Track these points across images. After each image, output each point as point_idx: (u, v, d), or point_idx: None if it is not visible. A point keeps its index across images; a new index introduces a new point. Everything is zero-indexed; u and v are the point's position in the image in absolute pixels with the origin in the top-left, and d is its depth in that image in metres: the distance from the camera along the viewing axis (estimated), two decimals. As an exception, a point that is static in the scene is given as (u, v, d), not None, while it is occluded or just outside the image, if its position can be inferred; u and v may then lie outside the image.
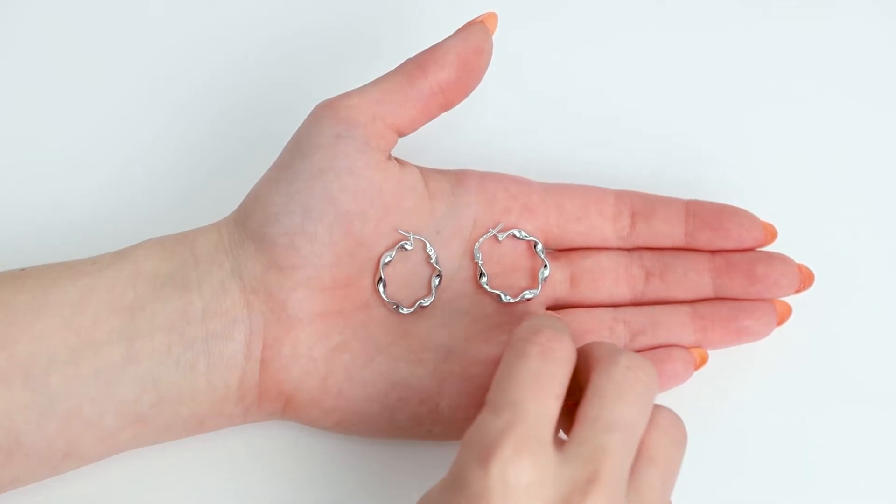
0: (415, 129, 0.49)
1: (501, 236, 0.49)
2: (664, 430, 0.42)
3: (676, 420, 0.43)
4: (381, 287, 0.47)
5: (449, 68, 0.48)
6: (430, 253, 0.48)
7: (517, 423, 0.39)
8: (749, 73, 0.57)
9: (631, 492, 0.40)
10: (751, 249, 0.50)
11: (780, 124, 0.56)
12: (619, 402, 0.41)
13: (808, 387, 0.51)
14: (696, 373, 0.49)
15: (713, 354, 0.50)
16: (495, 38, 0.49)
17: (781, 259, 0.49)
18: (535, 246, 0.49)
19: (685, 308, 0.49)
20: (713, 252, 0.50)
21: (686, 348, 0.49)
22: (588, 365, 0.42)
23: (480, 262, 0.49)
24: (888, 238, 0.54)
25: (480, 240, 0.49)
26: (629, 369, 0.41)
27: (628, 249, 0.50)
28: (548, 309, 0.50)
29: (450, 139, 0.55)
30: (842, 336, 0.52)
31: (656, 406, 0.42)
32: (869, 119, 0.56)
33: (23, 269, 0.46)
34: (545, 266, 0.49)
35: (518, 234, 0.49)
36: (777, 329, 0.50)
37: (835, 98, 0.57)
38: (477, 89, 0.49)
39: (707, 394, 0.51)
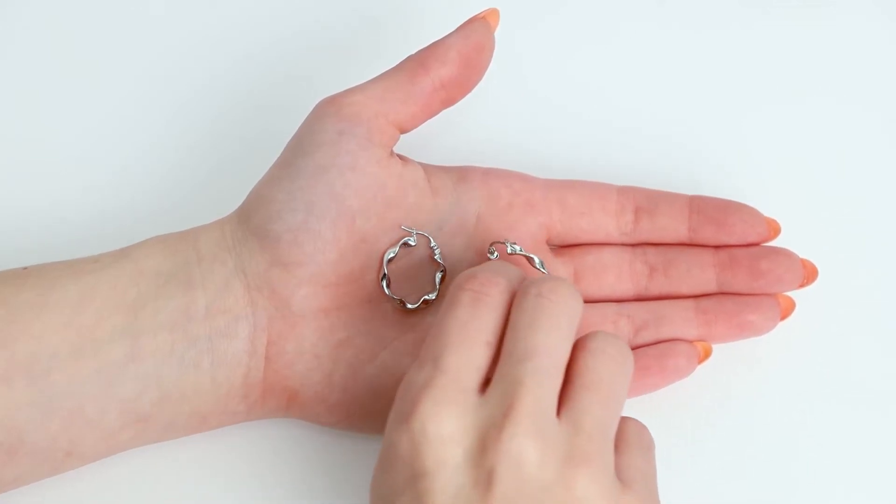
0: (417, 126, 0.49)
1: (515, 249, 0.48)
2: (596, 352, 0.41)
3: (613, 341, 0.42)
4: (384, 283, 0.47)
5: (450, 65, 0.48)
6: (434, 248, 0.48)
7: (437, 377, 0.39)
8: (749, 72, 0.57)
9: (565, 420, 0.40)
10: (754, 245, 0.50)
11: (780, 123, 0.56)
12: (530, 331, 0.40)
13: (810, 384, 0.51)
14: (699, 368, 0.49)
15: (716, 351, 0.50)
16: (498, 35, 0.49)
17: (785, 254, 0.50)
18: (533, 261, 0.49)
19: (689, 303, 0.49)
20: (716, 247, 0.50)
21: (689, 342, 0.49)
22: None
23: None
24: (890, 235, 0.54)
25: (492, 248, 0.49)
26: (539, 296, 0.41)
27: (632, 245, 0.50)
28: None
29: (452, 136, 0.55)
30: (844, 332, 0.52)
31: (591, 333, 0.42)
32: (869, 118, 0.56)
33: (24, 268, 0.46)
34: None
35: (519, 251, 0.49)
36: (780, 324, 0.50)
37: (835, 97, 0.57)
38: (479, 86, 0.49)
39: (708, 391, 0.51)
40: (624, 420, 0.42)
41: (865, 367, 0.51)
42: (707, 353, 0.49)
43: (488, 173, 0.50)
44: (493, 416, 0.39)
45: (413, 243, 0.48)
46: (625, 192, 0.51)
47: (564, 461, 0.39)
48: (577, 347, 0.42)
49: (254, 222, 0.47)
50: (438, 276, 0.48)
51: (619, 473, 0.41)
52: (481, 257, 0.49)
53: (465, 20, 0.49)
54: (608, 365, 0.41)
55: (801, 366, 0.51)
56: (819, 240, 0.52)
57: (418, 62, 0.48)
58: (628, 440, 0.42)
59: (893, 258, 0.54)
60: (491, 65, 0.49)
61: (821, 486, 0.50)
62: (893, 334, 0.52)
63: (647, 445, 0.43)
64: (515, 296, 0.42)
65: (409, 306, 0.48)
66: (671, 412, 0.49)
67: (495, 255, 0.48)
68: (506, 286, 0.42)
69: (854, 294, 0.53)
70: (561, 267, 0.50)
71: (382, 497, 0.40)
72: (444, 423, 0.38)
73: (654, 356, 0.48)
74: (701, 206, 0.50)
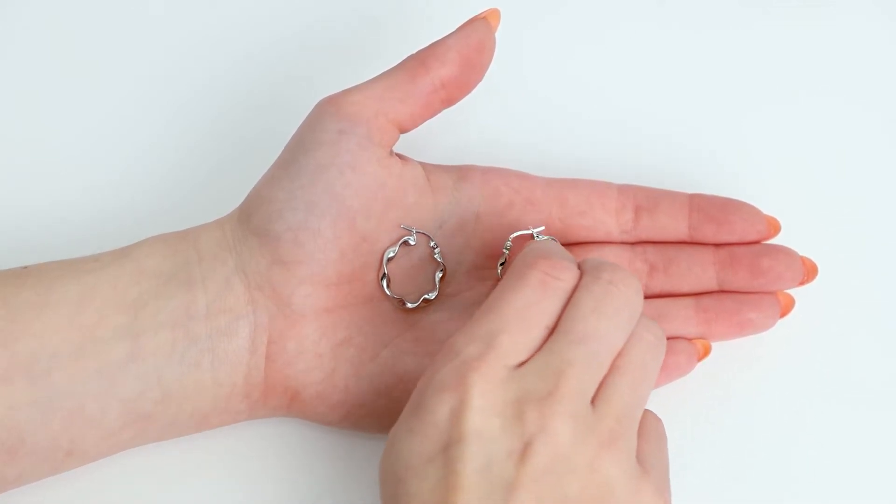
0: (417, 126, 0.49)
1: (540, 236, 0.49)
2: (637, 340, 0.42)
3: (653, 328, 0.43)
4: (384, 283, 0.47)
5: (451, 64, 0.48)
6: (434, 247, 0.48)
7: (490, 355, 0.39)
8: (749, 72, 0.57)
9: (599, 399, 0.40)
10: (755, 243, 0.50)
11: (780, 123, 0.56)
12: (592, 316, 0.41)
13: (809, 382, 0.51)
14: (698, 367, 0.49)
15: (715, 350, 0.50)
16: (499, 34, 0.49)
17: (785, 252, 0.50)
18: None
19: (689, 301, 0.49)
20: (717, 246, 0.50)
21: (689, 340, 0.49)
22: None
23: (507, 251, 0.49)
24: (889, 234, 0.54)
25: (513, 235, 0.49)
26: (611, 284, 0.41)
27: (632, 243, 0.50)
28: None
29: (452, 136, 0.55)
30: (844, 331, 0.52)
31: (641, 318, 0.42)
32: (869, 117, 0.56)
33: (24, 268, 0.46)
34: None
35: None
36: (780, 322, 0.50)
37: (835, 97, 0.57)
38: (479, 86, 0.49)
39: (707, 390, 0.51)
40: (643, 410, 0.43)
41: (865, 365, 0.52)
42: (707, 351, 0.49)
43: (488, 172, 0.50)
44: (536, 391, 0.39)
45: (413, 242, 0.48)
46: (625, 190, 0.51)
47: (594, 443, 0.39)
48: None
49: (254, 221, 0.47)
50: (438, 275, 0.48)
51: (639, 458, 0.41)
52: (481, 256, 0.49)
53: (466, 20, 0.49)
54: (645, 352, 0.42)
55: (800, 364, 0.51)
56: (819, 239, 0.52)
57: (418, 62, 0.48)
58: (648, 428, 0.43)
59: (893, 257, 0.54)
60: (494, 65, 0.49)
61: (820, 485, 0.50)
62: (893, 332, 0.52)
63: (662, 435, 0.43)
64: (583, 276, 0.42)
65: (409, 305, 0.48)
66: (670, 411, 0.49)
67: (509, 245, 0.48)
68: (575, 274, 0.42)
69: (853, 292, 0.53)
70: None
71: (406, 462, 0.40)
72: (489, 398, 0.39)
73: None
74: (701, 205, 0.50)
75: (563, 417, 0.39)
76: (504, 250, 0.48)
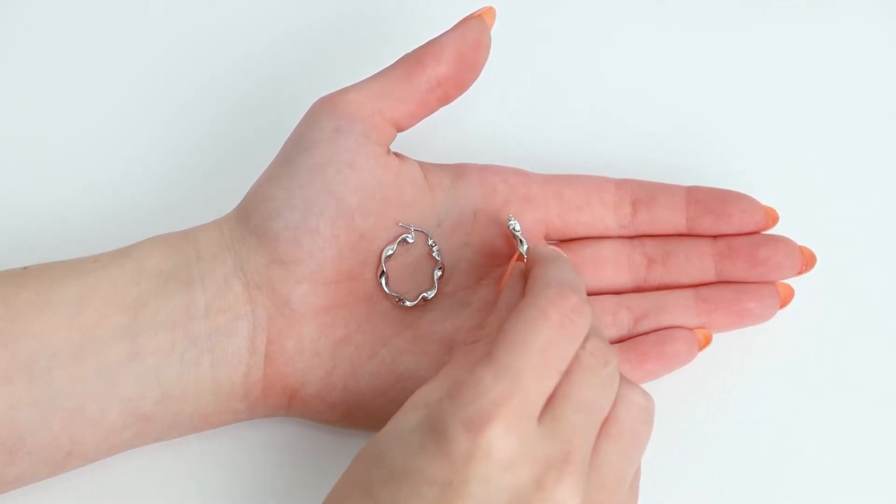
0: (414, 124, 0.49)
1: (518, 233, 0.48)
2: (626, 405, 0.41)
3: (642, 396, 0.42)
4: (383, 280, 0.47)
5: (446, 62, 0.48)
6: (432, 245, 0.48)
7: (514, 397, 0.39)
8: (749, 71, 0.57)
9: (591, 469, 0.40)
10: (753, 233, 0.50)
11: (780, 122, 0.56)
12: (586, 384, 0.40)
13: (809, 381, 0.51)
14: (696, 364, 0.49)
15: (713, 347, 0.50)
16: (497, 32, 0.49)
17: (783, 241, 0.50)
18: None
19: (688, 292, 0.49)
20: (715, 237, 0.50)
21: (689, 329, 0.49)
22: None
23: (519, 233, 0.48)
24: (888, 230, 0.54)
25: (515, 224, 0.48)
26: (593, 355, 0.41)
27: (630, 237, 0.50)
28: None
29: (449, 134, 0.55)
30: (842, 328, 0.52)
31: (622, 382, 0.42)
32: (868, 116, 0.56)
33: (24, 268, 0.46)
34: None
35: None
36: (778, 316, 0.50)
37: (834, 96, 0.57)
38: (477, 84, 0.49)
39: (706, 388, 0.51)
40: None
41: (863, 360, 0.52)
42: (707, 341, 0.49)
43: (485, 170, 0.50)
44: (551, 458, 0.39)
45: (411, 240, 0.48)
46: (623, 185, 0.51)
47: None
48: None
49: (253, 221, 0.47)
50: (437, 273, 0.48)
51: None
52: (480, 254, 0.49)
53: (462, 18, 0.49)
54: (636, 419, 0.42)
55: (797, 360, 0.51)
56: (819, 239, 0.52)
57: (414, 60, 0.48)
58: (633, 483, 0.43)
59: (891, 251, 0.54)
60: (490, 62, 0.49)
61: (817, 482, 0.50)
62: (891, 327, 0.52)
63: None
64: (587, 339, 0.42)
65: (408, 304, 0.48)
66: (669, 409, 0.49)
67: (512, 222, 0.48)
68: (589, 315, 0.41)
69: (851, 286, 0.53)
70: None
71: (404, 469, 0.39)
72: (507, 448, 0.38)
73: (653, 342, 0.48)
74: (699, 197, 0.50)
75: (573, 488, 0.39)
76: (511, 228, 0.48)
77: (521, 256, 0.47)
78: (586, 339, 0.41)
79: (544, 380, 0.40)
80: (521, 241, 0.47)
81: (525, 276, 0.44)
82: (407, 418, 0.40)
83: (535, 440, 0.39)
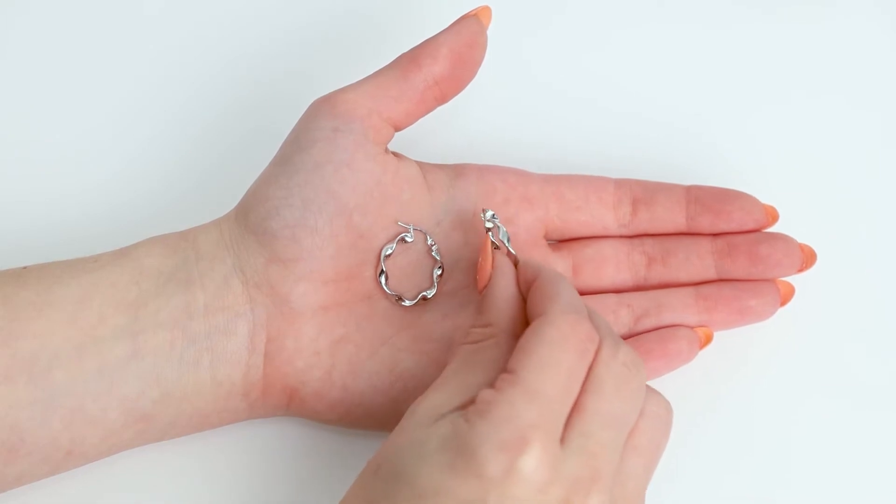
0: (411, 123, 0.49)
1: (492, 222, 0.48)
2: (651, 418, 0.42)
3: (665, 406, 0.42)
4: (382, 279, 0.47)
5: (442, 61, 0.48)
6: (431, 244, 0.48)
7: (547, 421, 0.39)
8: (749, 70, 0.57)
9: (615, 483, 0.40)
10: (753, 231, 0.50)
11: (780, 122, 0.56)
12: (617, 397, 0.41)
13: (808, 379, 0.51)
14: (697, 362, 0.49)
15: (712, 347, 0.50)
16: (497, 32, 0.50)
17: (783, 239, 0.50)
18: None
19: (689, 290, 0.49)
20: (715, 236, 0.50)
21: (691, 327, 0.49)
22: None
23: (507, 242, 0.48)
24: (888, 230, 0.54)
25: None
26: (625, 366, 0.41)
27: (630, 237, 0.50)
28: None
29: (447, 133, 0.55)
30: (842, 327, 0.52)
31: (647, 391, 0.42)
32: (868, 115, 0.57)
33: (24, 268, 0.47)
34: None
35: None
36: (778, 313, 0.50)
37: (834, 95, 0.57)
38: (474, 83, 0.50)
39: (705, 387, 0.51)
40: None
41: (863, 360, 0.52)
42: (708, 339, 0.49)
43: (484, 169, 0.50)
44: (578, 478, 0.39)
45: (410, 239, 0.48)
46: (622, 184, 0.51)
47: None
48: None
49: (251, 220, 0.47)
50: (437, 272, 0.48)
51: None
52: (479, 254, 0.49)
53: (458, 17, 0.49)
54: (658, 431, 0.42)
55: (799, 360, 0.51)
56: (819, 237, 0.52)
57: (410, 59, 0.48)
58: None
59: (892, 253, 0.54)
60: (488, 61, 0.49)
61: (818, 482, 0.50)
62: (892, 327, 0.52)
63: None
64: (600, 352, 0.42)
65: (407, 303, 0.48)
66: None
67: (489, 214, 0.47)
68: (596, 342, 0.42)
69: (852, 287, 0.53)
70: (560, 261, 0.50)
71: (432, 487, 0.39)
72: (541, 471, 0.38)
73: (655, 340, 0.48)
74: (698, 196, 0.50)
75: (598, 502, 0.39)
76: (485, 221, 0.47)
77: (494, 245, 0.47)
78: (616, 349, 0.41)
79: (567, 402, 0.40)
80: (499, 228, 0.47)
81: (518, 273, 0.45)
82: (426, 434, 0.40)
83: (562, 460, 0.39)
